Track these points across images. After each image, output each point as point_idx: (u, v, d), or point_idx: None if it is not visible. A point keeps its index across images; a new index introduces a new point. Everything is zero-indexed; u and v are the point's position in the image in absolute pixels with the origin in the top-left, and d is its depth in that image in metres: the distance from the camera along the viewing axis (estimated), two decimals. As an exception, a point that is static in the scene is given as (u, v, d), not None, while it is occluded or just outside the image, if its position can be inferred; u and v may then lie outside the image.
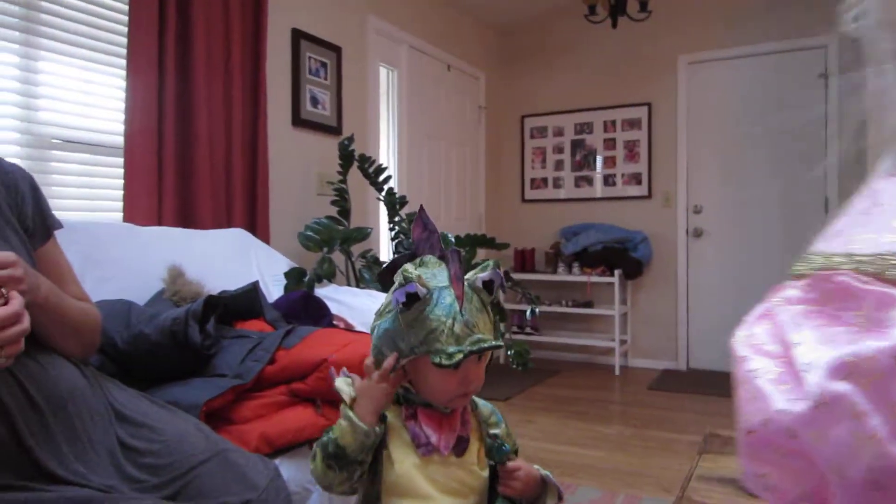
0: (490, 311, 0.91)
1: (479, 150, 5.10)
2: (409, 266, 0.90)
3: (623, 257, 4.69)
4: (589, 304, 4.89)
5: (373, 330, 0.94)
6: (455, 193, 4.78)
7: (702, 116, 4.75)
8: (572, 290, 4.98)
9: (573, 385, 4.44)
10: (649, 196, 4.86)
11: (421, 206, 1.07)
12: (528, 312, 3.73)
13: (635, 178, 4.91)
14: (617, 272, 4.62)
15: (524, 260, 5.01)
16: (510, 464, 0.94)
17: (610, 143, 4.98)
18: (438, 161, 4.57)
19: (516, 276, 4.90)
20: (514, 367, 3.27)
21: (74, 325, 1.04)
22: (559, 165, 5.16)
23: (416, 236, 0.96)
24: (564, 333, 5.05)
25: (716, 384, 4.19)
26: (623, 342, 4.87)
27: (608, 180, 5.00)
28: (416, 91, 4.28)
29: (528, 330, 4.99)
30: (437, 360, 0.85)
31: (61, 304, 1.01)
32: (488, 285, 0.91)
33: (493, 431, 0.99)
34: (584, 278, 4.73)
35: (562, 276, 4.84)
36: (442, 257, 0.94)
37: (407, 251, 0.98)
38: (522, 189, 5.31)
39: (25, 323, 0.84)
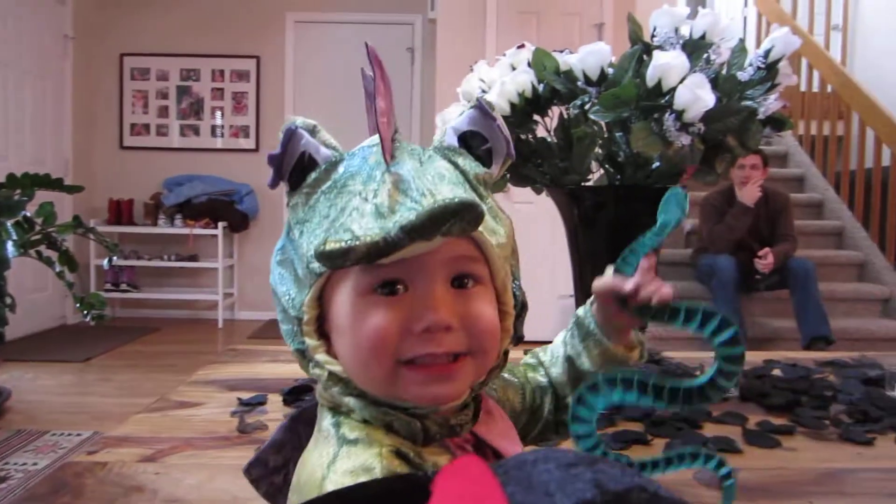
0: (476, 192, 0.44)
1: (65, 86, 4.77)
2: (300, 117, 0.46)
3: (229, 210, 4.95)
4: (193, 258, 5.04)
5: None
6: (29, 132, 4.41)
7: (309, 74, 5.22)
8: (176, 243, 5.06)
9: (172, 341, 4.56)
10: (257, 149, 5.18)
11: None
12: (105, 262, 3.72)
13: (243, 131, 5.17)
14: (221, 224, 4.86)
15: (120, 211, 4.90)
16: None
17: (218, 94, 5.14)
18: (3, 93, 4.18)
19: (111, 228, 4.79)
20: (87, 319, 3.27)
21: None
22: (164, 112, 5.14)
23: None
24: (167, 289, 5.12)
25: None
26: (230, 295, 5.16)
27: (216, 131, 5.17)
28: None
29: (123, 286, 4.93)
30: (321, 248, 0.38)
31: None
32: (470, 142, 0.46)
33: (538, 380, 0.56)
34: (186, 231, 4.86)
35: (163, 228, 4.89)
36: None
37: None
38: (121, 134, 5.15)
39: None
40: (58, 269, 2.97)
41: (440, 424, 0.42)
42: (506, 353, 0.45)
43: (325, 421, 0.43)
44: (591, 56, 0.87)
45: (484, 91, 0.96)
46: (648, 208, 0.98)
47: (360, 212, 0.39)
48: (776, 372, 1.21)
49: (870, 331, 3.65)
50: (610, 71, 0.89)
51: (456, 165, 0.44)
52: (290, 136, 0.43)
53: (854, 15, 5.64)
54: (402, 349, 0.39)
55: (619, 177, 0.95)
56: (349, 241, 0.36)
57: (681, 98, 0.79)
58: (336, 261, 0.37)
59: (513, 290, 0.45)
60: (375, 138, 0.44)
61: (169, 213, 4.89)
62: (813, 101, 5.00)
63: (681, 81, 0.81)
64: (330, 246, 0.37)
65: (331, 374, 0.42)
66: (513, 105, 0.92)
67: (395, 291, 0.40)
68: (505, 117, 0.94)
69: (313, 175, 0.43)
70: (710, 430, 0.90)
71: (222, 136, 5.16)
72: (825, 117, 4.84)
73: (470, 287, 0.41)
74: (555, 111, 0.98)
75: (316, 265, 0.40)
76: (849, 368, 1.23)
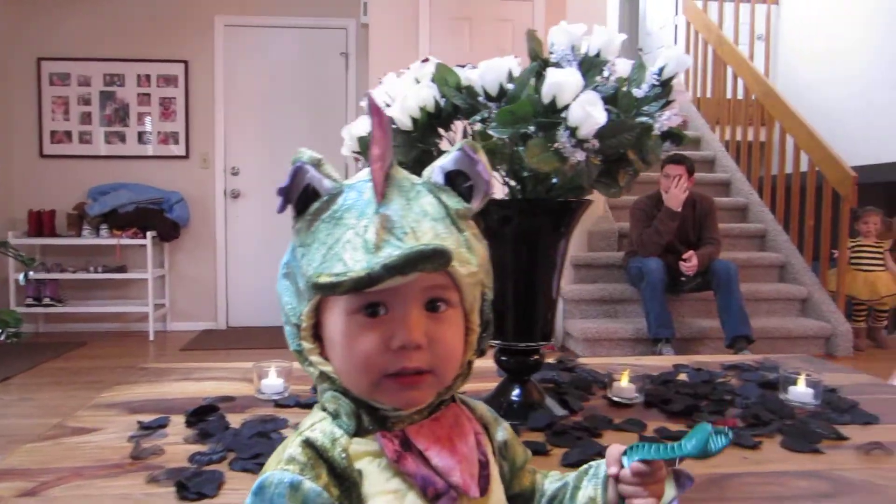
0: (455, 225, 0.51)
1: (-21, 91, 4.56)
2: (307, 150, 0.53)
3: (158, 218, 4.80)
4: (122, 269, 4.87)
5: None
6: (-61, 141, 4.20)
7: (239, 79, 5.12)
8: (102, 254, 4.87)
9: (99, 356, 4.39)
10: (187, 156, 5.05)
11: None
12: (21, 277, 3.57)
13: (172, 137, 5.04)
14: (150, 234, 4.71)
15: (41, 222, 4.69)
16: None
17: (145, 99, 4.99)
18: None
19: (32, 241, 4.59)
20: (4, 339, 3.13)
21: None
22: (87, 118, 4.96)
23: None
24: (95, 302, 4.93)
25: (253, 338, 4.69)
26: (161, 306, 5.00)
27: (143, 138, 5.02)
28: None
29: (46, 301, 4.72)
30: (315, 279, 0.46)
31: None
32: (455, 179, 0.53)
33: (500, 437, 0.58)
34: (113, 241, 4.69)
35: (88, 239, 4.71)
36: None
37: None
38: (41, 142, 4.93)
39: None
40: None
41: (374, 420, 0.49)
42: (470, 363, 0.53)
43: None
44: (490, 72, 0.88)
45: (388, 105, 0.96)
46: (551, 221, 1.01)
47: (352, 244, 0.46)
48: (682, 376, 1.25)
49: (789, 329, 3.82)
50: (511, 86, 0.90)
51: (440, 200, 0.51)
52: (297, 170, 0.50)
53: (776, 25, 5.90)
54: (384, 366, 0.47)
55: (521, 190, 0.97)
56: (339, 276, 0.44)
57: (574, 115, 0.81)
58: (328, 291, 0.46)
59: (482, 309, 0.53)
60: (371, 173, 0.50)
61: (94, 223, 4.71)
62: (738, 108, 5.20)
63: (575, 98, 0.83)
64: (323, 279, 0.45)
65: (322, 372, 0.50)
66: (414, 119, 0.92)
67: (376, 313, 0.48)
68: (407, 132, 0.94)
69: (315, 205, 0.50)
70: (610, 438, 0.92)
71: (149, 142, 5.00)
72: (750, 124, 5.04)
73: (441, 311, 0.49)
74: (459, 126, 0.98)
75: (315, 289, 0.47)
76: (750, 372, 1.28)
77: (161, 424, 0.98)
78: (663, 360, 1.40)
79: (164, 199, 4.86)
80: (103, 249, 4.84)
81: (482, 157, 0.52)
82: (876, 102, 4.67)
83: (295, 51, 5.13)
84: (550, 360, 1.36)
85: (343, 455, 0.47)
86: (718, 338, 3.55)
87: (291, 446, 0.48)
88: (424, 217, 0.49)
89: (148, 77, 4.96)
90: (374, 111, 0.49)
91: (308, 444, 0.48)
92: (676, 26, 6.82)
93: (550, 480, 0.60)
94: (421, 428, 0.50)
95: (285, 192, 0.50)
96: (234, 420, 1.00)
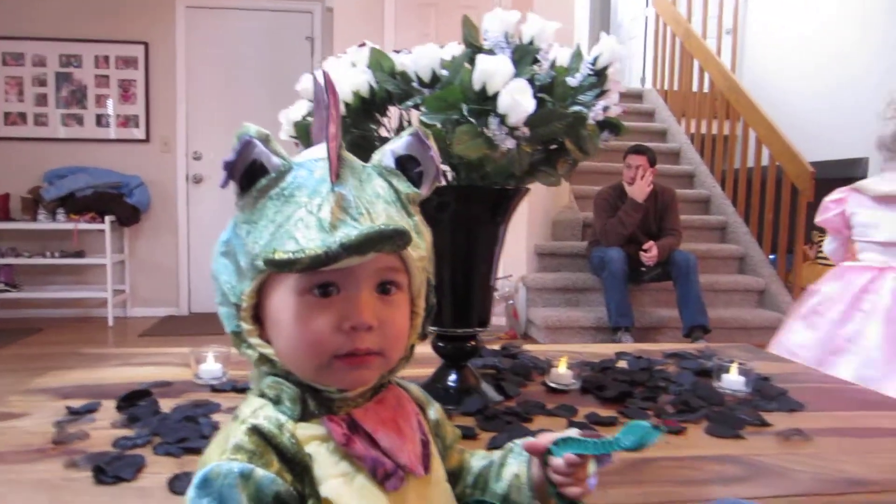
0: (405, 209, 0.51)
1: (-71, 69, 4.41)
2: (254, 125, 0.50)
3: (117, 203, 4.71)
4: (80, 254, 4.78)
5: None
6: None
7: (201, 62, 5.04)
8: (59, 239, 4.77)
9: (56, 342, 4.31)
10: (147, 140, 4.96)
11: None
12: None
13: (132, 121, 4.94)
14: (108, 219, 4.63)
15: (-6, 205, 4.59)
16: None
17: (103, 81, 4.88)
18: None
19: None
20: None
21: None
22: (42, 100, 4.84)
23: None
24: (52, 288, 4.83)
25: (216, 323, 4.61)
26: (121, 292, 4.93)
27: (101, 121, 4.91)
28: None
29: (1, 286, 4.61)
30: (269, 256, 0.45)
31: None
32: (405, 164, 0.53)
33: (433, 416, 0.59)
34: (70, 226, 4.60)
35: (44, 223, 4.61)
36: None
37: None
38: (-6, 123, 4.81)
39: None
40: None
41: (319, 404, 0.49)
42: (412, 347, 0.54)
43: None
44: (422, 58, 0.88)
45: (322, 90, 0.96)
46: (489, 208, 1.01)
47: (305, 223, 0.45)
48: (622, 364, 1.27)
49: (745, 320, 3.90)
50: (445, 73, 0.90)
51: (391, 184, 0.51)
52: (245, 145, 0.48)
53: (744, 19, 5.98)
54: (335, 346, 0.47)
55: (456, 177, 0.97)
56: (296, 253, 0.43)
57: (503, 103, 0.82)
58: (283, 268, 0.45)
59: (427, 294, 0.53)
60: (320, 152, 0.50)
61: (50, 207, 4.61)
62: (704, 101, 5.27)
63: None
64: (279, 256, 0.44)
65: (261, 355, 0.49)
66: (347, 104, 0.92)
67: (328, 293, 0.47)
68: (342, 116, 0.93)
69: (263, 181, 0.48)
70: (540, 423, 0.94)
71: (108, 125, 4.90)
72: (714, 118, 5.11)
73: (392, 293, 0.50)
74: (395, 112, 0.98)
75: (261, 262, 0.46)
76: (689, 360, 1.31)
77: (90, 409, 0.97)
78: (606, 348, 1.42)
79: (124, 184, 4.77)
80: (60, 234, 4.75)
81: (433, 145, 0.52)
82: (839, 101, 4.77)
83: (259, 34, 5.06)
84: (495, 346, 1.37)
85: (292, 440, 0.46)
86: (677, 327, 3.62)
87: (236, 435, 0.46)
88: (378, 199, 0.49)
89: (106, 58, 4.85)
90: (331, 89, 0.49)
91: (255, 431, 0.46)
92: (647, 18, 6.87)
93: (477, 459, 0.62)
94: (367, 411, 0.50)
95: (230, 167, 0.48)
96: (168, 405, 0.99)
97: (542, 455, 0.56)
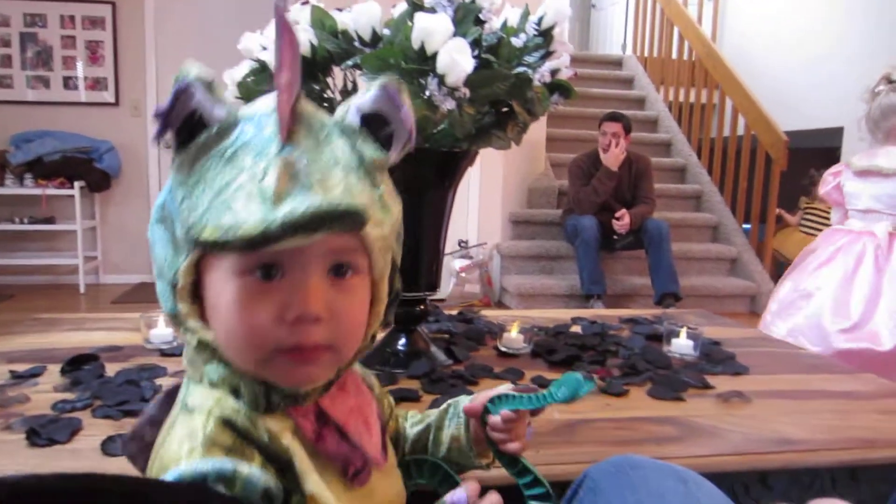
0: (369, 177, 0.44)
1: None
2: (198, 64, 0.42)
3: (87, 168, 4.63)
4: (50, 220, 4.71)
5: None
6: None
7: (173, 23, 4.90)
8: (27, 205, 4.69)
9: (27, 309, 4.25)
10: (116, 103, 4.86)
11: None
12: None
13: (101, 83, 4.82)
14: (78, 184, 4.54)
15: (-41, 169, 4.48)
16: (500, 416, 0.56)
17: (69, 42, 4.74)
18: None
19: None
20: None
21: None
22: (7, 62, 4.70)
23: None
24: (21, 254, 4.76)
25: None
26: (93, 259, 4.87)
27: (69, 83, 4.79)
28: None
29: (-33, 252, 4.54)
30: (198, 234, 0.39)
31: None
32: (372, 124, 0.45)
33: (377, 393, 0.56)
34: (38, 191, 4.52)
35: (11, 188, 4.52)
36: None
37: None
38: (-43, 84, 4.68)
39: None
40: None
41: (284, 395, 0.43)
42: (373, 336, 0.48)
43: (182, 389, 0.45)
44: (362, 16, 0.87)
45: (264, 47, 0.94)
46: (436, 171, 1.01)
47: (246, 191, 0.38)
48: (576, 329, 1.28)
49: (717, 288, 3.95)
50: (387, 32, 0.88)
51: (354, 146, 0.43)
52: (182, 91, 0.40)
53: (724, -13, 5.93)
54: (277, 340, 0.40)
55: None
56: (227, 231, 0.36)
57: (441, 62, 0.81)
58: (212, 249, 0.38)
59: (391, 278, 0.47)
60: (274, 102, 0.42)
61: (17, 171, 4.51)
62: (683, 69, 5.25)
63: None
64: (207, 235, 0.37)
65: (200, 340, 0.42)
66: (289, 64, 0.90)
67: (271, 276, 0.40)
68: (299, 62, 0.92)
69: (203, 136, 0.41)
70: (486, 385, 0.95)
71: (76, 88, 4.78)
72: (693, 85, 5.10)
73: (348, 277, 0.43)
74: (339, 72, 0.97)
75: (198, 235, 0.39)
76: (643, 325, 1.33)
77: (34, 374, 0.97)
78: (564, 314, 1.43)
79: (93, 148, 4.67)
80: (28, 200, 4.66)
81: (407, 101, 0.44)
82: (817, 71, 4.78)
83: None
84: (452, 311, 1.37)
85: (268, 434, 0.41)
86: (649, 295, 3.65)
87: (203, 428, 0.40)
88: (335, 165, 0.41)
89: (72, 18, 4.71)
90: (284, 28, 0.40)
91: (227, 424, 0.41)
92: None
93: (412, 424, 0.61)
94: (333, 399, 0.46)
95: (164, 116, 0.40)
96: (114, 369, 0.98)
97: (480, 415, 0.57)
